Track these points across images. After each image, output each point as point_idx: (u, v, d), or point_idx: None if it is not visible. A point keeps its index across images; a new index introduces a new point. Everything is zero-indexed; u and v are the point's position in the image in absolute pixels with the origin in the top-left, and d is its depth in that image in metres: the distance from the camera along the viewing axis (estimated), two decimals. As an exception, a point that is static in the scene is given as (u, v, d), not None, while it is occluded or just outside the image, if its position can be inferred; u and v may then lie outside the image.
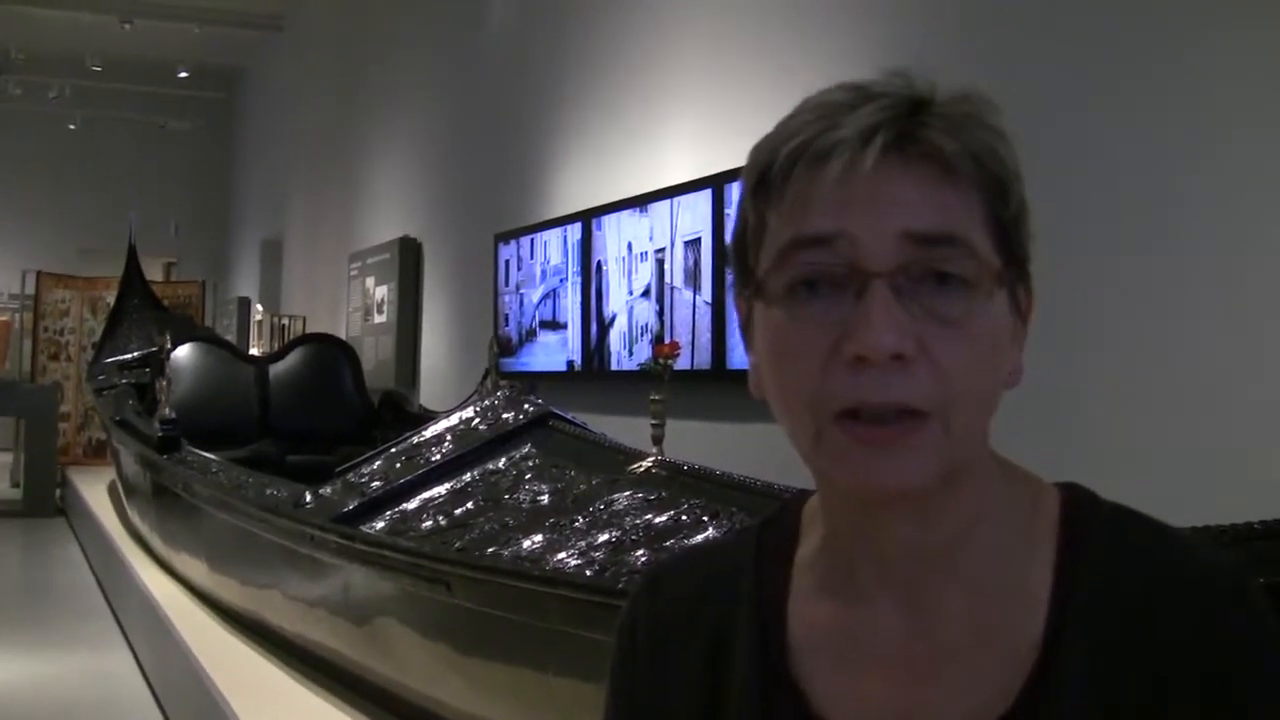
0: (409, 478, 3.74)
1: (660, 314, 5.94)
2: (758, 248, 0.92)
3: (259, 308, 14.92)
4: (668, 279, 5.87)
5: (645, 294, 6.10)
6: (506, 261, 7.93)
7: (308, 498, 3.98)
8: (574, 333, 6.95)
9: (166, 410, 6.25)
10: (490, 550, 3.04)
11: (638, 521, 2.87)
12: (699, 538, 2.68)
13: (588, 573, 2.70)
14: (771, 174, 0.90)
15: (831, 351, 0.86)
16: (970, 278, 0.86)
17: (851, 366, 0.85)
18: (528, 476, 3.49)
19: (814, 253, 0.87)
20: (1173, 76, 3.42)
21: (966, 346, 0.86)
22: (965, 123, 0.88)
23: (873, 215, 0.86)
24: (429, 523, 3.44)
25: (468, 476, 3.64)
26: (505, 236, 7.93)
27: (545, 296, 7.34)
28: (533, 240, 7.53)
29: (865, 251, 0.85)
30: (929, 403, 0.85)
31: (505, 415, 3.87)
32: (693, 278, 5.63)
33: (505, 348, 7.54)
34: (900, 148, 0.86)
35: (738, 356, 5.20)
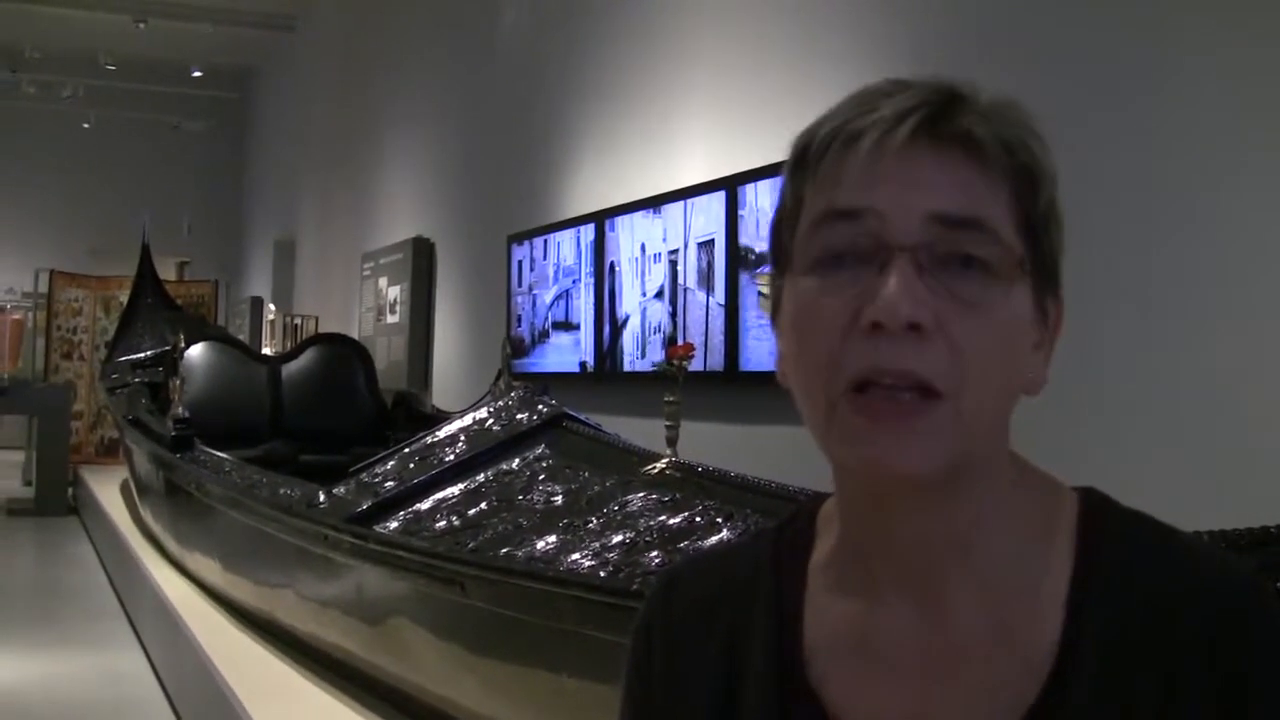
0: (422, 478, 3.74)
1: (673, 315, 5.94)
2: (793, 227, 0.93)
3: (271, 307, 14.96)
4: (681, 280, 5.87)
5: (658, 295, 6.10)
6: (519, 262, 7.93)
7: (321, 498, 3.98)
8: (587, 334, 6.95)
9: (179, 409, 6.27)
10: (504, 551, 3.04)
11: (652, 523, 2.87)
12: (713, 539, 2.68)
13: (601, 574, 2.70)
14: (809, 154, 0.92)
15: (851, 321, 0.87)
16: (993, 262, 0.88)
17: (869, 335, 0.86)
18: (541, 477, 3.48)
19: (843, 225, 0.89)
20: (1171, 76, 3.42)
21: (984, 330, 0.87)
22: (1000, 116, 0.90)
23: (900, 193, 0.88)
24: (442, 523, 3.43)
25: (481, 477, 3.64)
26: (518, 237, 7.93)
27: (558, 297, 7.34)
28: (546, 241, 7.53)
29: (891, 227, 0.87)
30: (942, 380, 0.86)
31: (519, 416, 3.87)
32: (706, 279, 5.62)
33: (518, 348, 7.54)
34: (932, 130, 0.88)
35: (751, 358, 5.20)
